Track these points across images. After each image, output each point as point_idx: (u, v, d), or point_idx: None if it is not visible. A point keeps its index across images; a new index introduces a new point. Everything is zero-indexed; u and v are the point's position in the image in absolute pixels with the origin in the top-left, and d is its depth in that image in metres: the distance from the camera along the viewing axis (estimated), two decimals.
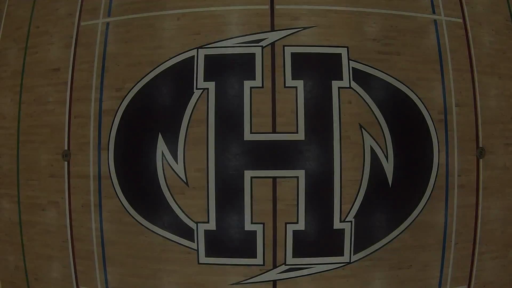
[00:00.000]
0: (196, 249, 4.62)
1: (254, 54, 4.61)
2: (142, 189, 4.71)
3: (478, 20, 4.93)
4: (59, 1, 5.07)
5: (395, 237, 4.62)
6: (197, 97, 4.62)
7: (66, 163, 4.85)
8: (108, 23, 4.87)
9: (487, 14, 4.98)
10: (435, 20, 4.83)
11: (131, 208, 4.71)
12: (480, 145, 4.79)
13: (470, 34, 4.88)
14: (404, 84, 4.68)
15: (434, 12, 4.84)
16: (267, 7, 4.69)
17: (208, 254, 4.61)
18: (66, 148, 4.85)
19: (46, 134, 4.91)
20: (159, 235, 4.66)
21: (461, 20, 4.89)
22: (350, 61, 4.62)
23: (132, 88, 4.73)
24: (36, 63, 5.02)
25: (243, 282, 4.60)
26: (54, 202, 4.88)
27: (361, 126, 4.59)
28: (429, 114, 4.69)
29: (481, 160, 4.79)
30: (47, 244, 4.92)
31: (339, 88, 4.60)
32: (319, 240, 4.58)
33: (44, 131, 4.92)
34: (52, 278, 4.93)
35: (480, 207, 4.77)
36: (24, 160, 4.98)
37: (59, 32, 4.99)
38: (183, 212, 4.61)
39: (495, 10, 5.02)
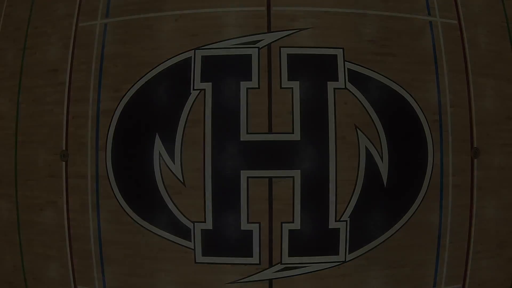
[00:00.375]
0: (193, 248, 4.63)
1: (250, 55, 4.62)
2: (139, 189, 4.73)
3: (473, 22, 4.94)
4: (57, 1, 5.07)
5: (390, 236, 4.64)
6: (194, 98, 4.63)
7: (64, 163, 4.86)
8: (106, 24, 4.88)
9: (482, 16, 4.99)
10: (430, 22, 4.85)
11: (128, 208, 4.72)
12: (475, 146, 4.81)
13: (465, 36, 4.89)
14: (399, 85, 4.69)
15: (429, 14, 4.86)
16: (264, 8, 4.70)
17: (204, 253, 4.62)
18: (64, 148, 4.86)
19: (44, 135, 4.92)
20: (157, 234, 4.67)
21: (456, 22, 4.90)
22: (345, 62, 4.64)
23: (130, 89, 4.74)
24: (34, 64, 5.02)
25: (240, 281, 4.61)
26: (52, 202, 4.88)
27: (356, 127, 4.61)
28: (424, 114, 4.71)
29: (475, 160, 4.80)
30: (45, 244, 4.93)
31: (334, 89, 4.61)
32: (314, 239, 4.59)
33: (42, 132, 4.93)
34: (50, 278, 4.93)
35: (474, 207, 4.79)
36: (22, 160, 4.99)
37: (58, 33, 4.99)
38: (180, 211, 4.63)
39: (491, 12, 5.03)
